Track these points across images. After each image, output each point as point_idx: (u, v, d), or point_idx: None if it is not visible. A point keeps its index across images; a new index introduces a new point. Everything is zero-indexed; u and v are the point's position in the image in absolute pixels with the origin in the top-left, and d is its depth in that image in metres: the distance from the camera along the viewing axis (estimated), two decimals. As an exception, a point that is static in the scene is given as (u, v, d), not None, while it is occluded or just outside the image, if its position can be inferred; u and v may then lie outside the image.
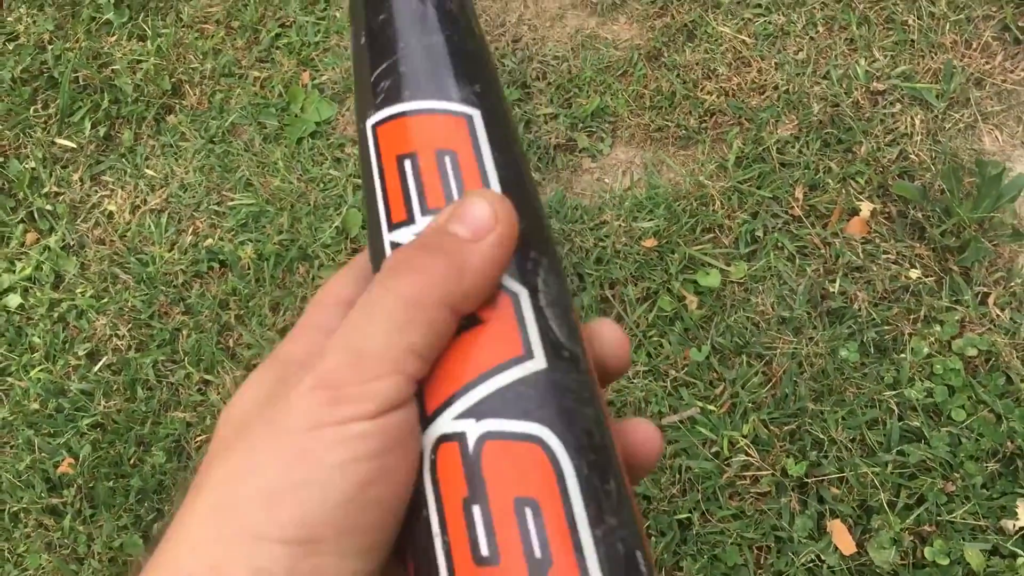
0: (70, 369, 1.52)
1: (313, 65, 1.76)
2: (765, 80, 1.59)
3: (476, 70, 0.34)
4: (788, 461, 1.28)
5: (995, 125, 1.53)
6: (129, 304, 1.55)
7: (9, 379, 1.53)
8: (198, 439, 1.42)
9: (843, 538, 1.22)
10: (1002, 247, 1.41)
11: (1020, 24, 1.60)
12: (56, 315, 1.57)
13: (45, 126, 1.77)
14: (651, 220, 1.48)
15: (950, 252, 1.40)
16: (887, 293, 1.39)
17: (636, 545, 0.27)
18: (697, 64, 1.63)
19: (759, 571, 1.23)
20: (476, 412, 0.27)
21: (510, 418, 0.27)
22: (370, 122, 0.33)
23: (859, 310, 1.37)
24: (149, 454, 1.42)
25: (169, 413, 1.46)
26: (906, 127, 1.52)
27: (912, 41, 1.60)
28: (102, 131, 1.75)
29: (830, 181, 1.48)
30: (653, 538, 1.26)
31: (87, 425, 1.46)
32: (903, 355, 1.33)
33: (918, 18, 1.62)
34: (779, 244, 1.45)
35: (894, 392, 1.30)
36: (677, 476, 1.29)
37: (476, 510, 0.26)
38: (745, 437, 1.30)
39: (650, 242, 1.46)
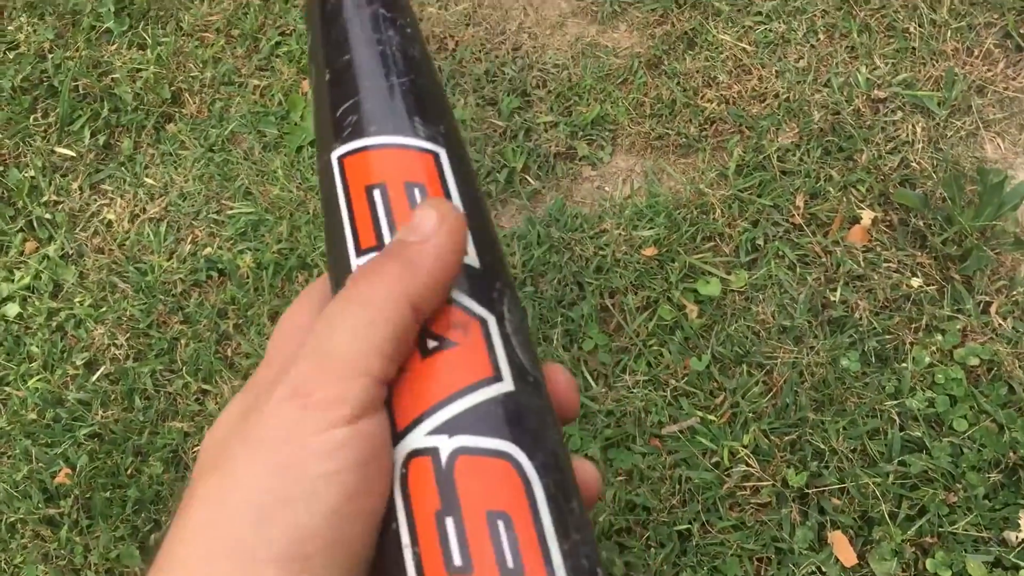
0: (68, 379, 1.52)
1: (313, 73, 1.75)
2: (766, 88, 1.58)
3: (440, 112, 0.36)
4: (789, 471, 1.27)
5: (997, 133, 1.53)
6: (128, 313, 1.55)
7: (7, 388, 1.53)
8: (195, 449, 1.42)
9: (844, 549, 1.21)
10: (1004, 256, 1.40)
11: (1022, 31, 1.59)
12: (54, 324, 1.57)
13: (45, 135, 1.77)
14: (651, 228, 1.48)
15: (952, 261, 1.39)
16: (888, 302, 1.38)
17: (597, 562, 0.28)
18: (697, 72, 1.62)
19: (760, 583, 1.22)
20: (448, 428, 0.28)
21: (482, 435, 0.28)
22: (335, 154, 0.34)
23: (860, 319, 1.36)
24: (147, 464, 1.42)
25: (167, 423, 1.45)
26: (907, 135, 1.51)
27: (913, 48, 1.60)
28: (102, 140, 1.74)
29: (831, 189, 1.48)
30: (652, 549, 1.25)
31: (84, 435, 1.45)
32: (904, 364, 1.32)
33: (919, 25, 1.61)
34: (780, 253, 1.44)
35: (895, 402, 1.29)
36: (677, 487, 1.28)
37: (449, 522, 0.26)
38: (745, 447, 1.29)
39: (650, 251, 1.46)
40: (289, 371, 0.27)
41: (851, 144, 1.51)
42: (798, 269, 1.42)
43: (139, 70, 1.80)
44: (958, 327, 1.34)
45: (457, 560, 0.26)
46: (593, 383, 1.37)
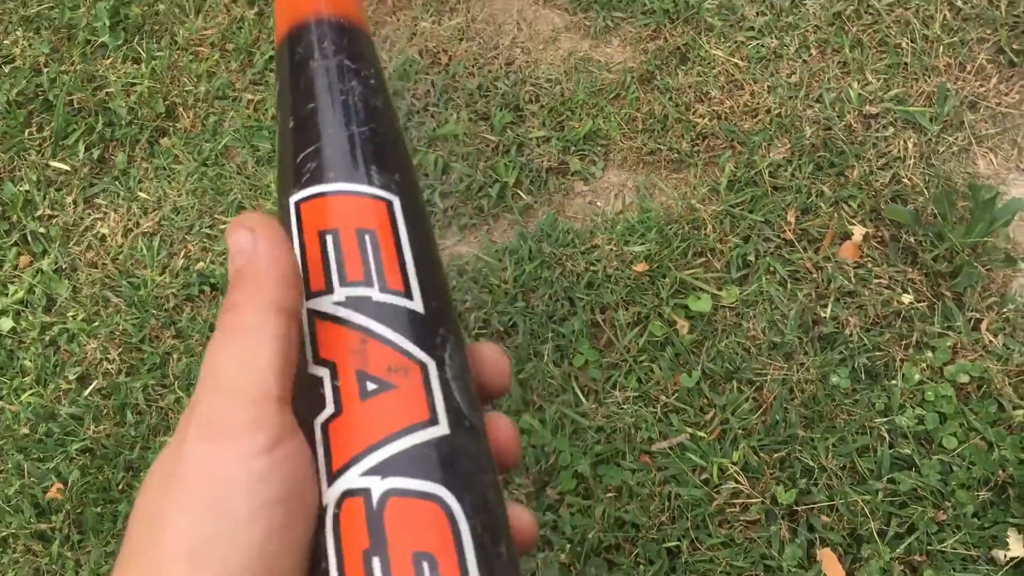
0: (60, 393, 1.52)
1: (307, 88, 1.76)
2: (758, 103, 1.59)
3: (397, 160, 0.37)
4: (778, 489, 1.26)
5: (989, 148, 1.53)
6: (120, 328, 1.55)
7: (0, 403, 1.53)
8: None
9: (833, 567, 1.21)
10: (995, 272, 1.40)
11: (1014, 47, 1.60)
12: (47, 339, 1.57)
13: (39, 149, 1.77)
14: (643, 244, 1.48)
15: (943, 277, 1.39)
16: (879, 318, 1.38)
17: None
18: (690, 87, 1.63)
19: (748, 601, 1.21)
20: (382, 470, 0.29)
21: (413, 477, 0.29)
22: (293, 198, 0.36)
23: (851, 335, 1.36)
24: (138, 479, 1.42)
25: (158, 438, 1.45)
26: (899, 151, 1.51)
27: (905, 64, 1.60)
28: (96, 154, 1.75)
29: (822, 205, 1.48)
30: (642, 566, 1.25)
31: (76, 450, 1.45)
32: (894, 381, 1.32)
33: (911, 41, 1.62)
34: (771, 268, 1.44)
35: (885, 419, 1.29)
36: (666, 503, 1.28)
37: (376, 562, 0.27)
38: (735, 464, 1.29)
39: (641, 266, 1.46)
40: (196, 410, 0.28)
41: (843, 160, 1.51)
42: (789, 285, 1.42)
43: (133, 84, 1.81)
44: (948, 344, 1.34)
45: None
46: (583, 399, 1.37)
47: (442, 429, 0.30)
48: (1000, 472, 1.23)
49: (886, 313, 1.38)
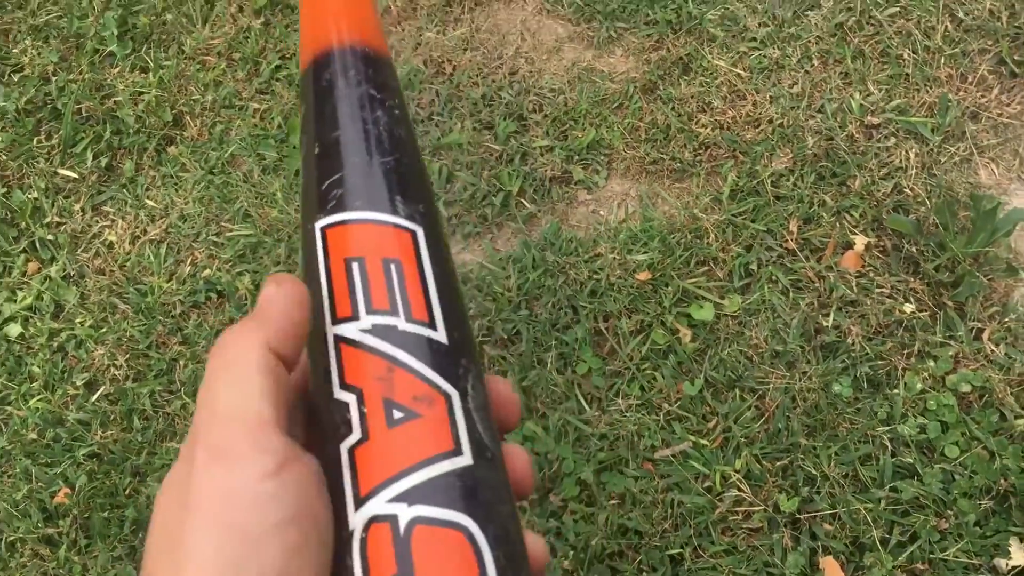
0: (68, 399, 1.53)
1: (313, 97, 1.77)
2: (760, 113, 1.60)
3: (420, 191, 0.38)
4: (780, 497, 1.27)
5: (991, 159, 1.54)
6: (127, 334, 1.56)
7: (8, 408, 1.54)
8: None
9: (835, 575, 1.22)
10: (997, 282, 1.41)
11: (1016, 58, 1.61)
12: (55, 345, 1.58)
13: (48, 157, 1.79)
14: (645, 253, 1.49)
15: (944, 287, 1.40)
16: (881, 327, 1.39)
17: None
18: (692, 97, 1.64)
19: (751, 608, 1.22)
20: (408, 497, 0.29)
21: (439, 506, 0.29)
22: (319, 224, 0.36)
23: (853, 344, 1.37)
24: (144, 484, 1.43)
25: (165, 443, 1.46)
26: (901, 161, 1.52)
27: (907, 75, 1.61)
28: (104, 162, 1.77)
29: (824, 215, 1.49)
30: (644, 573, 1.25)
31: (84, 455, 1.46)
32: (896, 390, 1.33)
33: (913, 52, 1.63)
34: (773, 277, 1.45)
35: (887, 428, 1.30)
36: (669, 511, 1.29)
37: None
38: (738, 472, 1.30)
39: (644, 275, 1.47)
40: (200, 436, 0.29)
41: (844, 170, 1.52)
42: (791, 294, 1.43)
43: (141, 93, 1.82)
44: (950, 353, 1.35)
45: None
46: (587, 406, 1.38)
47: (466, 460, 0.31)
48: (1002, 481, 1.23)
49: (888, 322, 1.39)
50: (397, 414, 0.31)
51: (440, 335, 0.34)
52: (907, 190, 1.50)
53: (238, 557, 0.26)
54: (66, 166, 1.78)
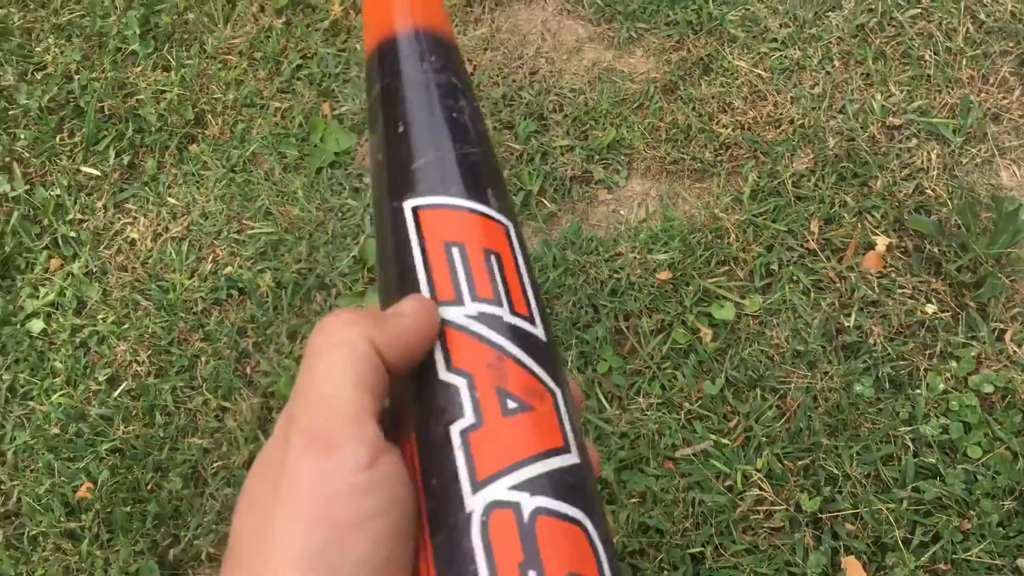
0: (90, 394, 1.54)
1: (333, 96, 1.78)
2: (781, 114, 1.60)
3: (505, 188, 0.38)
4: (802, 496, 1.27)
5: (1013, 160, 1.53)
6: (149, 330, 1.57)
7: (31, 403, 1.55)
8: (215, 465, 1.44)
9: (857, 575, 1.22)
10: (1019, 283, 1.40)
11: (1037, 59, 1.60)
12: (78, 340, 1.59)
13: (70, 154, 1.80)
14: (666, 252, 1.49)
15: (966, 288, 1.40)
16: (903, 328, 1.39)
17: None
18: (713, 98, 1.64)
19: (772, 607, 1.22)
20: (529, 488, 0.30)
21: (558, 500, 0.30)
22: (409, 203, 0.36)
23: (874, 345, 1.37)
24: (166, 480, 1.43)
25: (186, 439, 1.47)
26: (922, 162, 1.52)
27: (928, 76, 1.61)
28: (126, 160, 1.78)
29: (845, 215, 1.49)
30: (666, 572, 1.25)
31: (106, 450, 1.47)
32: (919, 391, 1.33)
33: (935, 53, 1.63)
34: (794, 278, 1.45)
35: (909, 428, 1.30)
36: (690, 509, 1.29)
37: (532, 575, 0.28)
38: (759, 471, 1.30)
39: (665, 274, 1.47)
40: (297, 420, 0.29)
41: (866, 170, 1.52)
42: (812, 294, 1.43)
43: (163, 91, 1.83)
44: (973, 354, 1.35)
45: None
46: (607, 405, 1.38)
47: (573, 458, 0.31)
48: (1024, 482, 1.23)
49: (910, 323, 1.39)
50: (511, 404, 0.31)
51: (540, 332, 0.34)
52: (929, 191, 1.49)
53: (325, 545, 0.27)
54: (88, 164, 1.79)
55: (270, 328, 1.53)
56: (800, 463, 1.30)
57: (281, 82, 1.82)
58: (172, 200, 1.72)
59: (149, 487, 1.44)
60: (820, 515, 1.26)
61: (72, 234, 1.71)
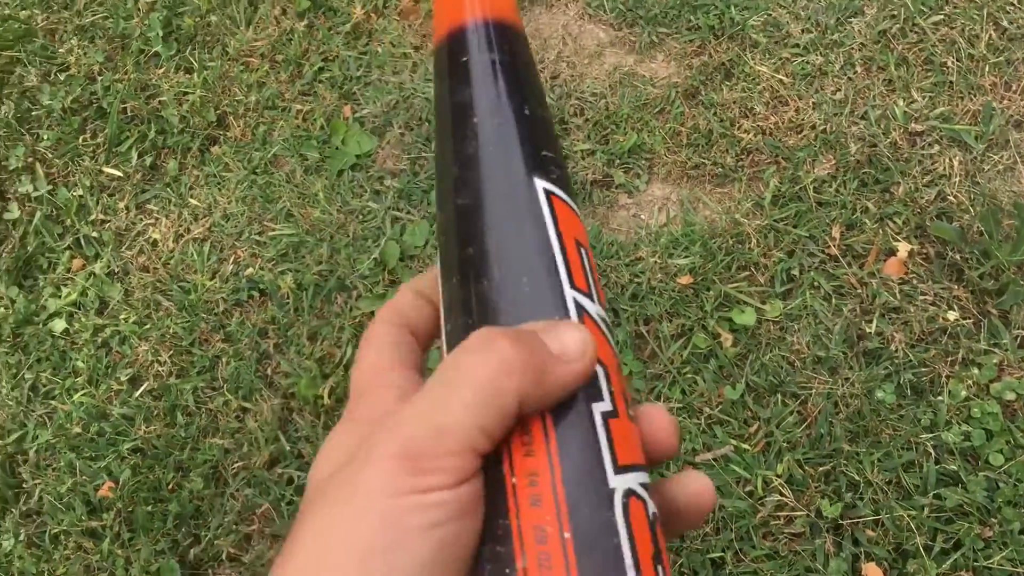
0: (112, 394, 1.55)
1: (354, 99, 1.79)
2: (803, 119, 1.60)
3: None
4: (823, 502, 1.27)
5: (1034, 167, 1.53)
6: (171, 331, 1.58)
7: (53, 402, 1.56)
8: (235, 466, 1.44)
9: (878, 582, 1.21)
10: (1042, 290, 1.40)
11: (1060, 66, 1.60)
12: (100, 340, 1.60)
13: (93, 155, 1.82)
14: (687, 257, 1.49)
15: (988, 295, 1.40)
16: (924, 334, 1.39)
17: None
18: (734, 103, 1.64)
19: (793, 613, 1.22)
20: (649, 491, 0.31)
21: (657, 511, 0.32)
22: (543, 184, 0.35)
23: (896, 351, 1.37)
24: (187, 479, 1.44)
25: (208, 439, 1.48)
26: (944, 168, 1.52)
27: (951, 83, 1.61)
28: (148, 161, 1.79)
29: (867, 221, 1.49)
30: (686, 577, 1.25)
31: (127, 449, 1.48)
32: (940, 398, 1.32)
33: (957, 60, 1.62)
34: (815, 283, 1.45)
35: (931, 435, 1.30)
36: (710, 514, 1.29)
37: (660, 570, 0.30)
38: (779, 477, 1.30)
39: (685, 279, 1.47)
40: (399, 430, 0.29)
41: (888, 176, 1.52)
42: (833, 300, 1.43)
43: (186, 93, 1.85)
44: (994, 361, 1.34)
45: None
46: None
47: (647, 477, 0.32)
48: (1048, 490, 1.23)
49: (932, 329, 1.38)
50: (631, 412, 0.33)
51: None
52: (951, 197, 1.49)
53: (387, 546, 0.27)
54: (111, 164, 1.80)
55: (291, 329, 1.54)
56: (821, 469, 1.30)
57: (303, 84, 1.83)
58: (194, 201, 1.73)
59: (170, 487, 1.45)
60: (841, 521, 1.26)
61: (94, 234, 1.72)
